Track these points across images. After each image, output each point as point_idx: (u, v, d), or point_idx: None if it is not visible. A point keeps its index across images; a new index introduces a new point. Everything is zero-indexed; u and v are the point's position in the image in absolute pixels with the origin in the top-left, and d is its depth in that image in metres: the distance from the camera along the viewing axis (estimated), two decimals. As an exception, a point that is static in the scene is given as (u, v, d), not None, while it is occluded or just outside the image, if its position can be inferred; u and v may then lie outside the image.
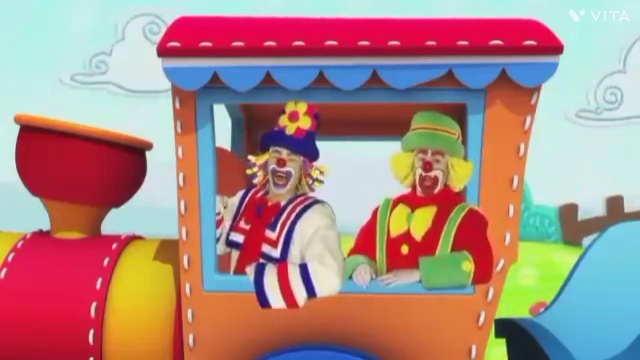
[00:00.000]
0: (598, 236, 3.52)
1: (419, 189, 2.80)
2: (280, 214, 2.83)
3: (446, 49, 2.51)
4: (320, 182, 2.89)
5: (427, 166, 2.75)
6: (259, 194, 2.98)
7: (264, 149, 2.89)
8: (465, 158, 2.76)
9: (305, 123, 2.78)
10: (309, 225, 2.77)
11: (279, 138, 2.82)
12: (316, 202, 2.86)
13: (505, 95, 2.61)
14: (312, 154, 2.88)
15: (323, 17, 2.70)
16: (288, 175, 2.82)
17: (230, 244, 2.93)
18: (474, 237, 2.68)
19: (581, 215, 11.92)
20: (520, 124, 2.64)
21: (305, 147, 2.83)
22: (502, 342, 3.47)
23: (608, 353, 3.01)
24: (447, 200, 2.76)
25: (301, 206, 2.83)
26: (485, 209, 2.67)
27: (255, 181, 2.95)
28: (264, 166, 2.88)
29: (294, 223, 2.79)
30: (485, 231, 2.68)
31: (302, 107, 2.76)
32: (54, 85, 10.02)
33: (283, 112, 2.80)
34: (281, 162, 2.80)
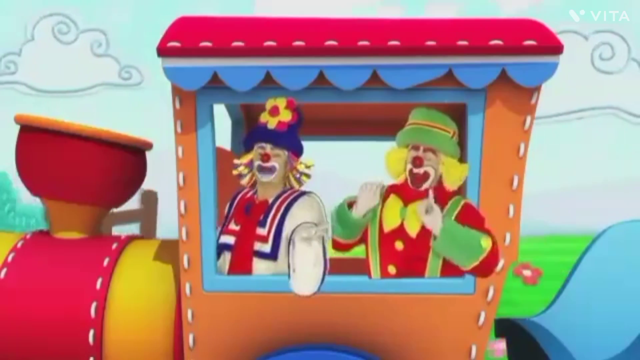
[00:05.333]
0: (598, 236, 3.51)
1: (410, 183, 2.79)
2: (269, 210, 2.83)
3: (446, 49, 2.51)
4: (308, 176, 2.91)
5: (417, 161, 2.73)
6: (247, 196, 2.97)
7: (248, 149, 2.90)
8: (461, 159, 2.75)
9: (285, 116, 2.77)
10: (297, 218, 2.77)
11: (261, 134, 2.83)
12: (303, 193, 2.87)
13: (505, 95, 2.61)
14: (296, 148, 2.89)
15: (323, 17, 2.70)
16: (273, 170, 2.82)
17: (220, 247, 2.87)
18: (481, 228, 2.65)
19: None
20: (520, 124, 2.64)
21: (288, 141, 2.84)
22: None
23: (608, 353, 3.01)
24: (440, 194, 2.74)
25: (289, 199, 2.84)
26: (485, 209, 2.67)
27: (243, 182, 2.94)
28: (250, 165, 2.88)
29: (283, 217, 2.79)
30: (481, 223, 2.66)
31: (281, 102, 2.76)
32: (-35, 85, 10.04)
33: (264, 110, 2.81)
34: (265, 157, 2.80)
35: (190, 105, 2.66)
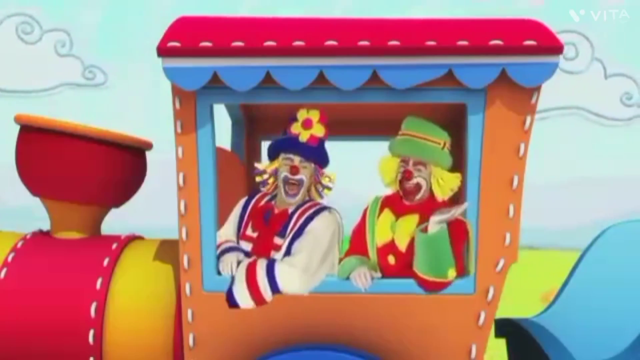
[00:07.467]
0: (598, 236, 3.51)
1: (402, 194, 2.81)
2: (289, 221, 2.83)
3: (446, 49, 2.51)
4: (329, 189, 2.92)
5: (407, 175, 2.76)
6: (264, 201, 2.96)
7: (273, 156, 2.90)
8: (454, 169, 2.76)
9: (318, 131, 2.81)
10: (315, 234, 2.77)
11: (292, 145, 2.83)
12: (324, 208, 2.86)
13: (505, 95, 2.61)
14: (324, 161, 2.90)
15: (323, 17, 2.70)
16: (300, 183, 2.83)
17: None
18: (456, 249, 2.67)
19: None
20: (520, 124, 2.64)
21: (317, 154, 2.86)
22: (503, 342, 3.47)
23: (608, 353, 3.01)
24: (430, 208, 2.73)
25: (309, 212, 2.83)
26: (485, 209, 2.67)
27: (264, 188, 2.95)
28: (275, 173, 2.88)
29: (301, 229, 2.79)
30: (460, 244, 2.68)
31: (315, 115, 2.78)
32: None
33: (294, 119, 2.82)
34: (294, 170, 2.81)
35: (190, 105, 2.66)
